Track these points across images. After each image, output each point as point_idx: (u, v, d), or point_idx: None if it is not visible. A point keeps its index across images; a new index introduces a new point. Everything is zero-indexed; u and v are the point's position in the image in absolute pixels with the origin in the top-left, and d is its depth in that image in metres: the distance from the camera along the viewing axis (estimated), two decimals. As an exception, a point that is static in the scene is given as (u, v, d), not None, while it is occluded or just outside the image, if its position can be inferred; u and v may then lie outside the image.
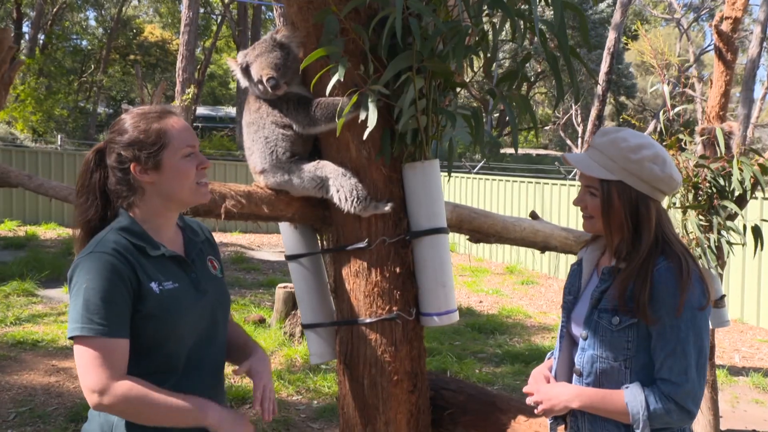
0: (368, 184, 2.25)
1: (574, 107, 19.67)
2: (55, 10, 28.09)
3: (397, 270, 2.28)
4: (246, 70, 2.26)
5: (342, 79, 2.04)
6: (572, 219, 10.13)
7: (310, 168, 2.24)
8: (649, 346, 1.78)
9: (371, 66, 2.13)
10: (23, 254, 9.50)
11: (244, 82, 2.29)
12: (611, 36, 17.63)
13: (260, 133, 2.27)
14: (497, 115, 31.76)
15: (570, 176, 12.98)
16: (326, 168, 2.23)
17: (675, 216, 3.71)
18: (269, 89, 2.20)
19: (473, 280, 10.19)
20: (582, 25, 2.06)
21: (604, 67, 17.69)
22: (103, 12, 32.88)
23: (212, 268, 1.84)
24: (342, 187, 2.21)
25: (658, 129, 3.73)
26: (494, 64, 2.24)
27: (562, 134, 21.57)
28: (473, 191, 12.79)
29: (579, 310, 1.93)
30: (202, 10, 28.37)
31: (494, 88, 2.26)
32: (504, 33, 2.76)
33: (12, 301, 7.32)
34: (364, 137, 2.06)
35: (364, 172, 2.25)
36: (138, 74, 10.72)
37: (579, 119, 19.46)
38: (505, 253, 11.68)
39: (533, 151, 33.74)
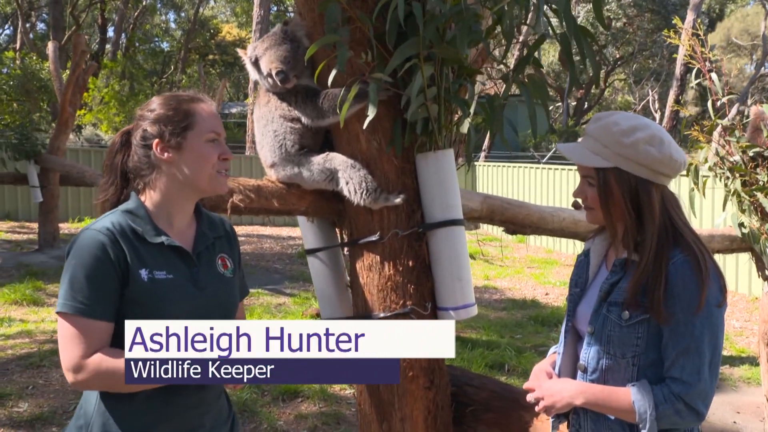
0: (379, 176, 2.20)
1: (651, 92, 18.98)
2: (136, 14, 29.08)
3: (411, 263, 2.22)
4: (256, 64, 2.25)
5: (344, 69, 1.99)
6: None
7: (320, 160, 2.21)
8: (659, 342, 1.68)
9: (376, 54, 2.07)
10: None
11: (254, 75, 2.28)
12: (689, 18, 16.94)
13: (269, 126, 2.25)
14: (575, 103, 31.05)
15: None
16: (335, 160, 2.19)
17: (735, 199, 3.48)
18: (278, 82, 2.18)
19: (541, 272, 9.97)
20: (595, 3, 1.94)
21: (682, 50, 16.99)
22: (182, 14, 33.87)
23: (222, 266, 1.79)
24: (351, 179, 2.17)
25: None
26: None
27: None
28: (541, 182, 12.52)
29: (586, 304, 1.84)
30: (274, 8, 28.80)
31: (507, 74, 2.16)
32: (520, 17, 2.66)
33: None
34: (364, 126, 2.01)
35: (375, 163, 2.20)
36: (201, 73, 10.96)
37: (657, 105, 18.76)
38: (577, 244, 11.37)
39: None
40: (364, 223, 2.23)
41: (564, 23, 1.84)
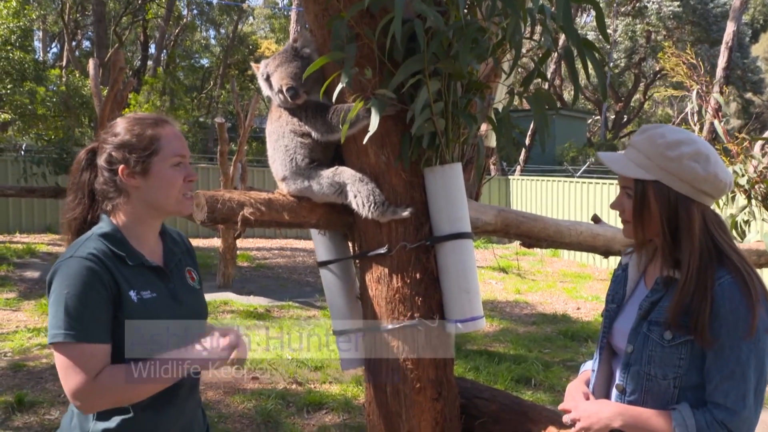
0: (387, 189, 2.23)
1: (689, 106, 18.66)
2: (177, 31, 29.67)
3: (419, 276, 2.24)
4: (268, 80, 2.30)
5: (349, 86, 2.03)
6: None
7: (329, 174, 2.25)
8: (702, 364, 1.62)
9: (384, 70, 2.11)
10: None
11: (266, 91, 2.33)
12: (729, 29, 16.62)
13: (281, 141, 2.30)
14: (613, 116, 30.72)
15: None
16: (344, 173, 2.23)
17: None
18: (288, 98, 2.23)
19: (573, 286, 9.88)
20: (598, 17, 1.95)
21: (721, 62, 16.71)
22: (221, 31, 34.43)
23: (190, 279, 1.87)
24: (359, 193, 2.20)
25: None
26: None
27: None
28: (575, 196, 12.41)
29: (623, 321, 1.78)
30: (312, 24, 29.11)
31: (512, 88, 2.18)
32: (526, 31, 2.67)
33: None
34: (364, 141, 2.04)
35: (383, 177, 2.23)
36: (233, 88, 11.08)
37: (696, 118, 18.44)
38: (611, 258, 11.23)
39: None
40: (373, 236, 2.27)
41: (567, 37, 1.86)
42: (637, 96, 31.56)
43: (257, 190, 2.30)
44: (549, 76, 19.00)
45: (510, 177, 15.02)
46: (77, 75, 16.10)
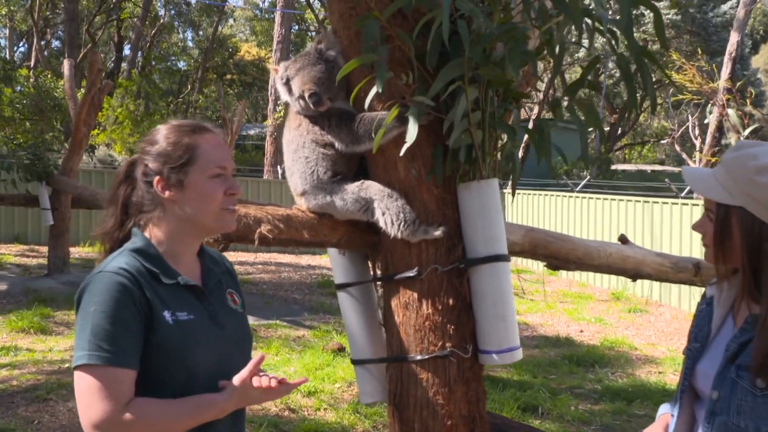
0: (418, 207, 2.13)
1: (690, 118, 18.80)
2: (153, 32, 29.51)
3: (451, 302, 2.14)
4: (287, 84, 2.20)
5: (382, 91, 1.94)
6: (685, 242, 9.61)
7: (354, 189, 2.15)
8: None
9: (416, 75, 2.02)
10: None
11: (284, 96, 2.23)
12: (733, 39, 16.76)
13: (300, 152, 2.20)
14: (608, 129, 30.89)
15: (683, 194, 12.37)
16: (371, 188, 2.13)
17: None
18: (311, 105, 2.14)
19: (575, 307, 9.81)
20: (656, 23, 1.87)
21: (724, 73, 16.84)
22: (200, 32, 34.32)
23: (232, 302, 1.76)
24: (388, 210, 2.10)
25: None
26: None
27: (678, 148, 20.65)
28: (574, 211, 12.39)
29: (708, 362, 1.64)
30: (296, 27, 29.09)
31: (558, 98, 2.10)
32: (570, 36, 2.59)
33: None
34: (401, 153, 1.94)
35: (414, 192, 2.14)
36: (219, 93, 11.02)
37: (697, 131, 18.56)
38: (611, 278, 11.21)
39: (648, 167, 32.56)
40: (401, 257, 2.16)
41: (626, 44, 1.77)
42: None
43: (274, 205, 2.19)
44: (544, 86, 19.05)
45: (505, 191, 14.99)
46: (49, 76, 15.90)
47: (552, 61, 2.17)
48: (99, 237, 1.72)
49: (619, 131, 31.56)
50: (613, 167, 24.79)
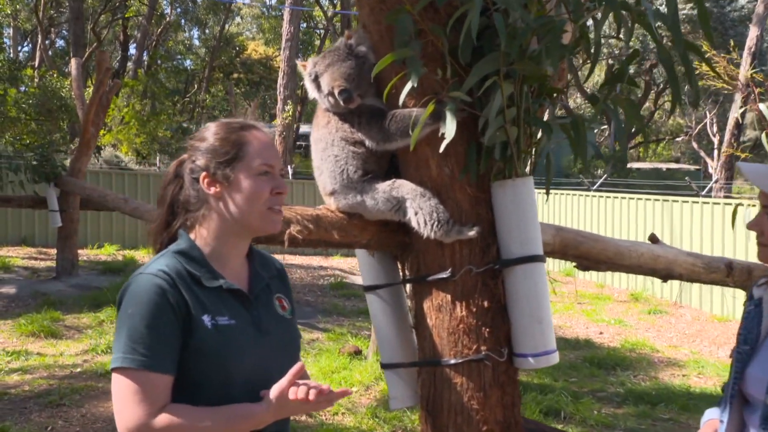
0: (451, 206, 2.10)
1: (708, 115, 18.70)
2: (159, 30, 29.57)
3: (486, 304, 2.11)
4: (316, 80, 2.18)
5: (417, 87, 1.91)
6: (706, 241, 9.54)
7: (385, 188, 2.12)
8: None
9: (450, 70, 1.99)
10: (119, 279, 9.85)
11: (312, 93, 2.21)
12: (752, 33, 16.63)
13: (329, 150, 2.17)
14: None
15: (704, 192, 12.29)
16: (403, 188, 2.10)
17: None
18: (341, 102, 2.11)
19: (593, 308, 9.76)
20: (701, 15, 1.83)
21: (744, 68, 16.73)
22: (206, 31, 34.37)
23: (280, 308, 1.73)
24: (421, 209, 2.07)
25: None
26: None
27: (695, 146, 20.54)
28: (591, 210, 12.33)
29: (758, 366, 1.63)
30: (304, 25, 29.11)
31: (597, 93, 2.06)
32: (607, 29, 2.56)
33: (106, 328, 7.57)
34: (440, 150, 1.92)
35: (447, 191, 2.11)
36: (230, 92, 11.01)
37: (715, 128, 18.45)
38: (630, 278, 11.15)
39: (663, 165, 32.42)
40: (434, 258, 2.13)
41: (673, 37, 1.73)
42: (647, 105, 31.64)
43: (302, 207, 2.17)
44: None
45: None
46: (55, 76, 15.93)
47: (588, 55, 2.14)
48: (150, 237, 1.73)
49: (633, 128, 31.46)
50: (628, 165, 24.70)
